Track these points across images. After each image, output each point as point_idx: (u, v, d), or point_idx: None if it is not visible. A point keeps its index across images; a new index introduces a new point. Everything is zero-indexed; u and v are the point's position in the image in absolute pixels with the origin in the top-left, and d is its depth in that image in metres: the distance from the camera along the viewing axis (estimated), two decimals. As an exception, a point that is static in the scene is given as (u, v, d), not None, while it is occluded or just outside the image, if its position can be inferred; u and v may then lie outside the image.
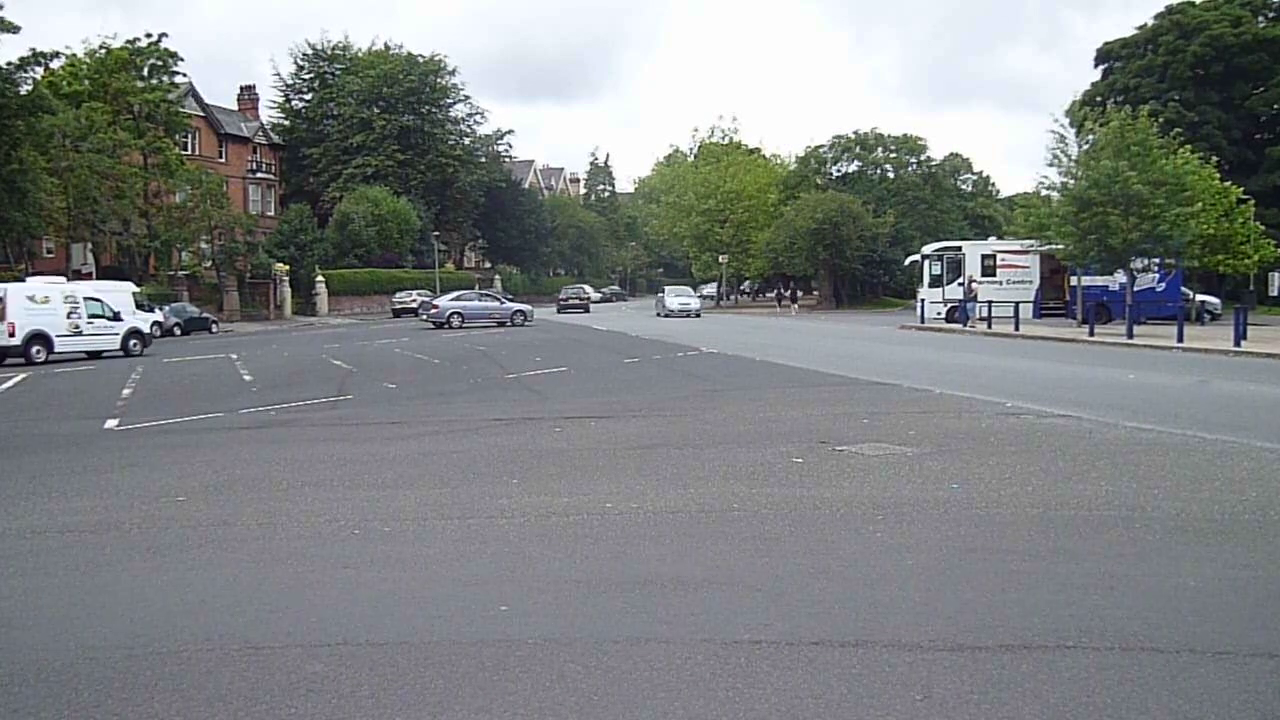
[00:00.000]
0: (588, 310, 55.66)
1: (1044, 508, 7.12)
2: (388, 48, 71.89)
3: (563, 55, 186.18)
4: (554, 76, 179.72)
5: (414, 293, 55.16)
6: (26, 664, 4.43)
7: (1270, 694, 3.91)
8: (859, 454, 9.39)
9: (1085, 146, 31.96)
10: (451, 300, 41.69)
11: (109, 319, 28.79)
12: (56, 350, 26.99)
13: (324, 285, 56.84)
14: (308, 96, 71.43)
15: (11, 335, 25.92)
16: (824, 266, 59.39)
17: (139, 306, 37.93)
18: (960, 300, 35.83)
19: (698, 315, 48.21)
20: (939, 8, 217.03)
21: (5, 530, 7.15)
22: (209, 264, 53.40)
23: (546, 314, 50.39)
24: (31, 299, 26.95)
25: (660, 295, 54.76)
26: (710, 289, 76.94)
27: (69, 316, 27.56)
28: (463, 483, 8.50)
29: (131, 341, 29.05)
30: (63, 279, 32.45)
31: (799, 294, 68.17)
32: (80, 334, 27.82)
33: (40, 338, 26.61)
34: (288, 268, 54.38)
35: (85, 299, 28.31)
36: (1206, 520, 6.73)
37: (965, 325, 33.80)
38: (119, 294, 37.22)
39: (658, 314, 49.74)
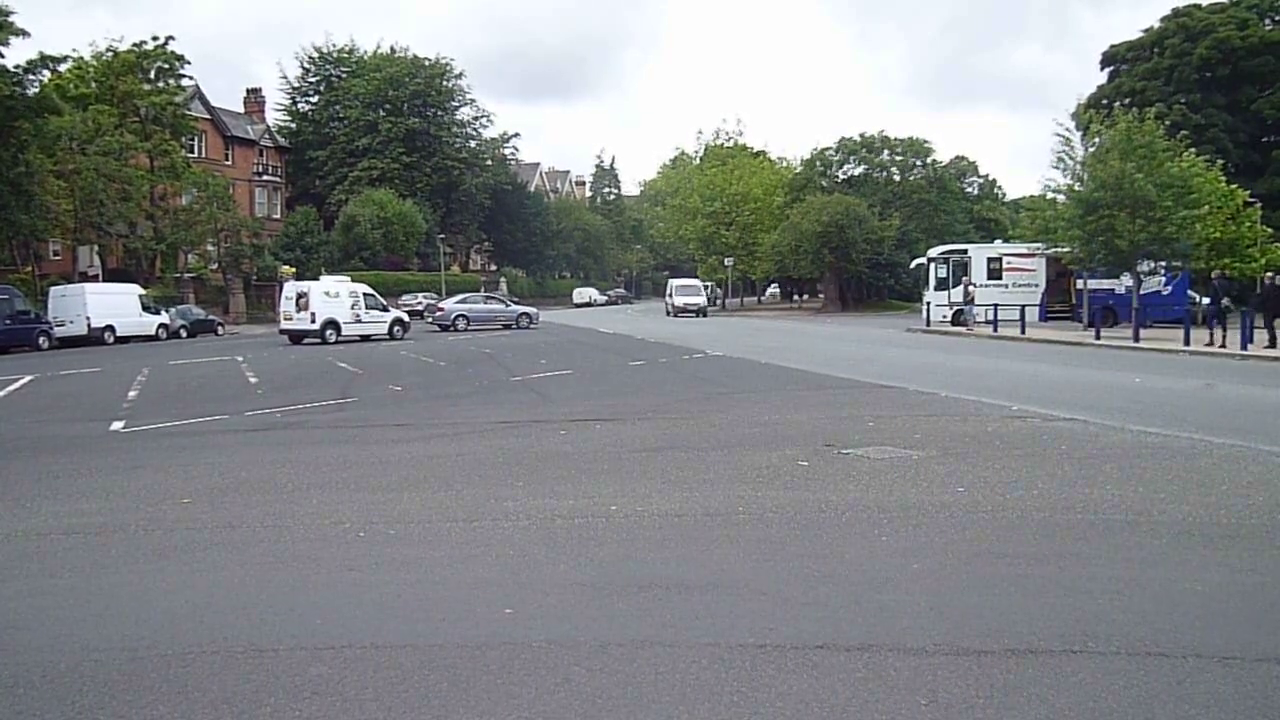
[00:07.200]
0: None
1: (1050, 511, 7.10)
2: (393, 50, 72.10)
3: (563, 55, 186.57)
4: (555, 76, 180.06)
5: (420, 295, 55.25)
6: (30, 665, 4.43)
7: (1278, 699, 3.89)
8: (864, 457, 9.37)
9: (1092, 149, 31.94)
10: (457, 303, 41.86)
11: (380, 310, 34.53)
12: (343, 334, 32.52)
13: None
14: (314, 99, 71.67)
15: (313, 321, 31.77)
16: (830, 269, 59.34)
17: (145, 309, 38.09)
18: (962, 303, 35.86)
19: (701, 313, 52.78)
20: (944, 4, 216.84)
21: (10, 532, 7.16)
22: (215, 266, 53.56)
23: (551, 317, 50.38)
24: (326, 294, 32.77)
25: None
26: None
27: (352, 308, 33.25)
28: (468, 485, 8.49)
29: (395, 328, 34.62)
30: (347, 278, 37.43)
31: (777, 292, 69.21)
32: (360, 321, 33.42)
33: (332, 324, 32.22)
34: (293, 270, 54.46)
35: (364, 295, 34.07)
36: (1213, 525, 6.69)
37: (968, 329, 33.79)
38: (125, 296, 37.47)
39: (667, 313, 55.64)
